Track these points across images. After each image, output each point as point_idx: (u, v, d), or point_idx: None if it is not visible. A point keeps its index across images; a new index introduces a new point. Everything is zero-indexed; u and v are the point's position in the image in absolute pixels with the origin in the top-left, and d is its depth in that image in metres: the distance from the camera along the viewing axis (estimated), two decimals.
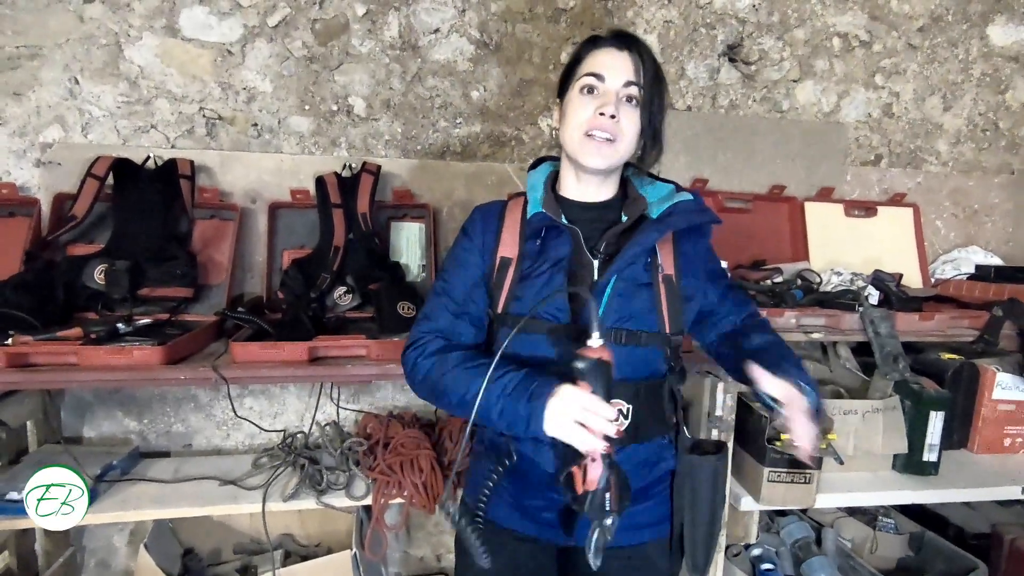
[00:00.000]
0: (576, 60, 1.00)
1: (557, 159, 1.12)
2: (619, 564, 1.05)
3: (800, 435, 0.90)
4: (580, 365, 0.84)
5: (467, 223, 1.07)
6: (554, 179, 1.08)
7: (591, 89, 0.96)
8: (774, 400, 0.92)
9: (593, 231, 1.01)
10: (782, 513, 1.79)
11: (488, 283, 1.02)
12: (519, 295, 0.98)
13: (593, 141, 0.95)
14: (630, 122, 0.96)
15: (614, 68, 0.95)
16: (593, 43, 0.99)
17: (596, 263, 0.99)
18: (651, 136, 0.99)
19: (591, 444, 0.82)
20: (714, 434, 1.36)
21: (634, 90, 0.95)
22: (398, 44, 1.74)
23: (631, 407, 0.97)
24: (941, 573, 1.65)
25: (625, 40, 0.97)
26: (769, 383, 0.92)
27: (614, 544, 0.98)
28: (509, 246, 1.01)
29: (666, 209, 0.99)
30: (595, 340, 0.84)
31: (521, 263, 0.99)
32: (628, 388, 0.96)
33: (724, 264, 1.62)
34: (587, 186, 1.04)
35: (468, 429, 0.94)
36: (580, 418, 0.82)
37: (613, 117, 0.94)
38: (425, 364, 0.96)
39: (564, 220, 1.00)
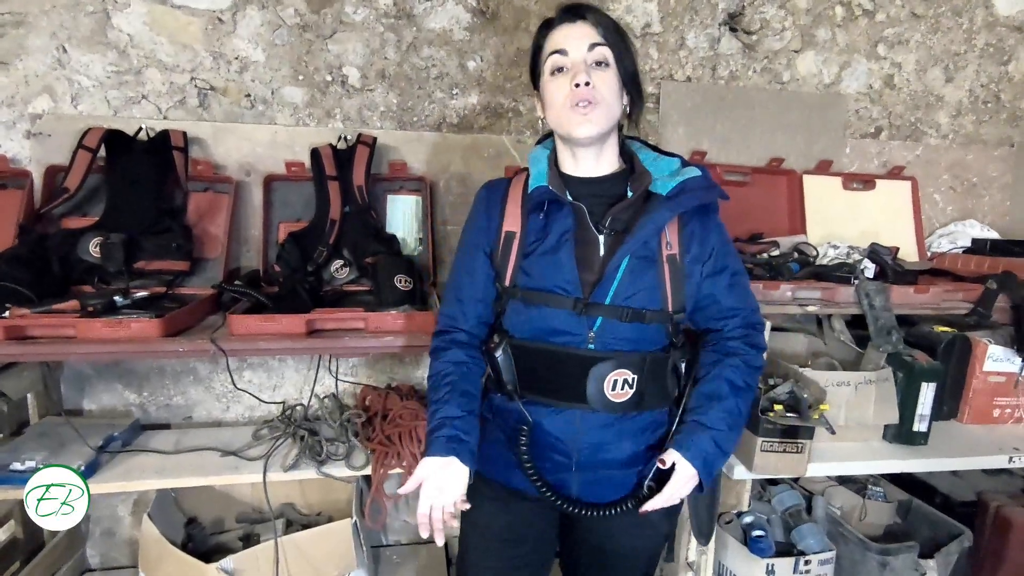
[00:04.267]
0: (538, 48, 1.02)
1: None
2: (620, 526, 1.08)
3: (659, 499, 1.00)
4: None
5: (475, 202, 1.10)
6: (556, 155, 1.08)
7: (560, 68, 0.97)
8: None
9: (597, 206, 1.01)
10: (773, 482, 1.82)
11: (494, 258, 1.04)
12: (527, 271, 1.00)
13: (577, 110, 0.96)
14: (605, 84, 0.97)
15: (573, 38, 0.97)
16: (547, 26, 1.01)
17: (602, 239, 0.99)
18: (632, 88, 1.01)
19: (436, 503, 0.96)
20: None
21: (600, 52, 0.96)
22: (392, 12, 1.70)
23: (636, 377, 0.99)
24: (927, 539, 1.69)
25: (575, 11, 0.98)
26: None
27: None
28: (512, 220, 1.03)
29: (676, 186, 0.98)
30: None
31: (525, 237, 1.01)
32: (635, 359, 0.99)
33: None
34: (584, 161, 1.04)
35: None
36: (429, 495, 0.96)
37: (588, 84, 0.95)
38: (433, 363, 1.09)
39: (568, 196, 1.00)
